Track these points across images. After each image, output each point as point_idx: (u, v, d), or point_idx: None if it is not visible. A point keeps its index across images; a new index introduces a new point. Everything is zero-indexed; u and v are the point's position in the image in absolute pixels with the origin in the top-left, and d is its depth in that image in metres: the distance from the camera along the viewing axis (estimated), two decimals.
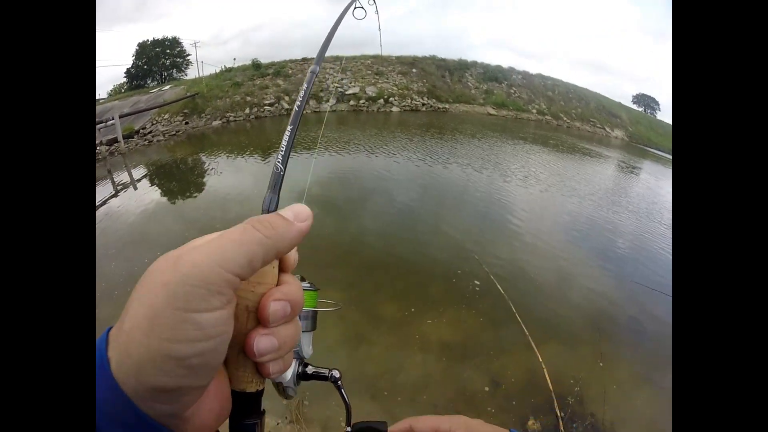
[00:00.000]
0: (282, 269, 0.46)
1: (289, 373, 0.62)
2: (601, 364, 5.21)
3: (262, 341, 0.41)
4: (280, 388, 0.63)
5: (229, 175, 11.13)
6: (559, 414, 4.23)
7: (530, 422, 4.14)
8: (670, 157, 41.61)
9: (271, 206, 0.54)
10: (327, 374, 0.68)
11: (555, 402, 4.34)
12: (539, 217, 10.31)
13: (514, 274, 6.90)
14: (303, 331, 0.65)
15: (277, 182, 0.57)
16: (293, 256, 0.48)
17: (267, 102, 23.86)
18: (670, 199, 15.73)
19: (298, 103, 0.66)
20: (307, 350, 0.66)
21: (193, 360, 0.35)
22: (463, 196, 10.92)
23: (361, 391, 4.22)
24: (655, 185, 18.48)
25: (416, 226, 8.46)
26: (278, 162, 0.59)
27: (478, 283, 6.30)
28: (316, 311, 0.68)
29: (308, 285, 0.63)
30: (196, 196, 9.66)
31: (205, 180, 11.02)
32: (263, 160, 12.08)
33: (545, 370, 4.64)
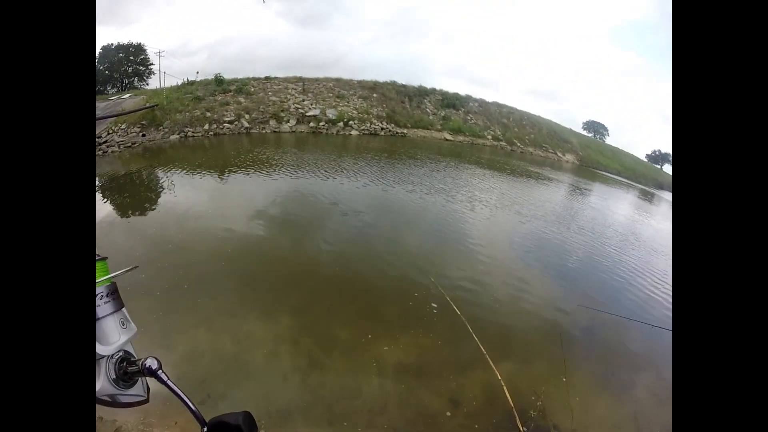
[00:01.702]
0: None
1: (101, 382, 0.68)
2: (564, 379, 5.28)
3: None
4: (106, 401, 0.69)
5: (185, 191, 11.07)
6: (521, 429, 4.24)
7: None
8: (616, 176, 44.11)
9: None
10: (140, 362, 0.72)
11: (517, 417, 4.34)
12: (493, 238, 10.66)
13: (470, 295, 7.01)
14: (105, 316, 0.72)
15: None
16: None
17: (227, 119, 23.60)
18: (615, 218, 16.84)
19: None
20: (115, 337, 0.72)
21: None
22: (418, 219, 11.20)
23: (317, 417, 4.12)
24: (602, 206, 19.57)
25: (371, 248, 8.55)
26: None
27: (435, 305, 6.33)
28: (115, 286, 0.77)
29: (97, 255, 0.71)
30: (149, 212, 9.55)
31: (159, 196, 10.90)
32: (220, 180, 12.10)
33: (504, 387, 4.69)
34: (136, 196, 10.96)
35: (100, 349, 0.67)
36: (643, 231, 16.41)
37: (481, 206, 13.31)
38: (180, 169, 13.51)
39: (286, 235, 8.60)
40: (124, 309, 0.88)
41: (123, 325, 0.82)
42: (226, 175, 12.74)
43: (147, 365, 0.71)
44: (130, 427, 3.31)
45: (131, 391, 0.74)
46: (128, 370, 0.72)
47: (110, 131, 20.08)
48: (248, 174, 13.11)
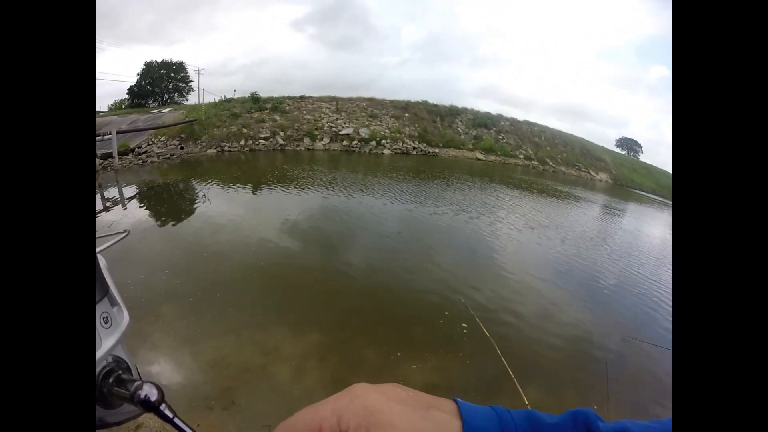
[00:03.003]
0: None
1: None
2: (595, 406, 5.20)
3: None
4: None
5: (221, 203, 11.29)
6: None
7: None
8: (651, 195, 42.96)
9: None
10: (130, 395, 0.55)
11: None
12: (525, 259, 10.52)
13: (501, 316, 6.92)
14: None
15: None
16: None
17: (262, 135, 24.19)
18: (649, 240, 16.34)
19: None
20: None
21: None
22: (449, 239, 11.14)
23: None
24: (635, 227, 19.08)
25: (402, 266, 8.52)
26: None
27: (465, 325, 6.26)
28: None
29: None
30: (184, 222, 9.78)
31: (195, 206, 11.16)
32: (254, 194, 12.32)
33: None
34: (174, 205, 11.28)
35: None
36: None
37: (511, 228, 13.14)
38: (216, 182, 13.85)
39: (317, 251, 8.66)
40: (107, 296, 0.66)
41: (105, 322, 0.62)
42: (261, 189, 12.98)
43: (143, 396, 0.53)
44: (151, 424, 3.32)
45: (122, 409, 0.58)
46: (114, 391, 0.56)
47: (150, 142, 20.83)
48: (282, 189, 13.31)
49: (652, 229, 21.00)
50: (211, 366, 4.54)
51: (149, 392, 0.53)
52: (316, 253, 8.51)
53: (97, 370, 0.56)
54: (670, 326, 8.01)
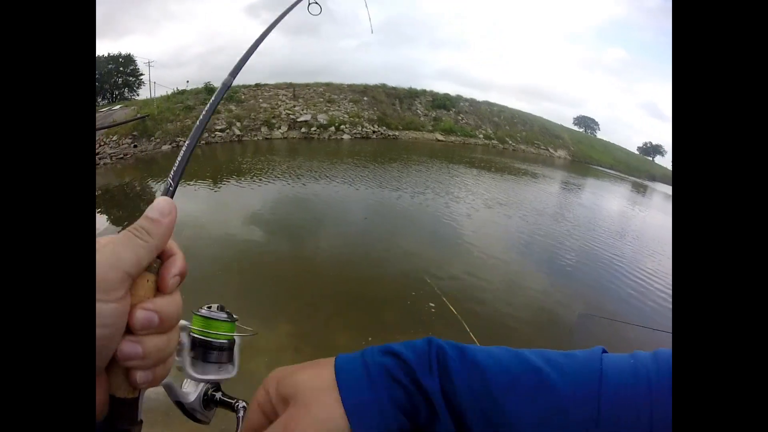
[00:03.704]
0: (161, 288, 0.47)
1: (193, 395, 0.66)
2: None
3: (125, 346, 0.43)
4: (186, 410, 0.67)
5: (179, 202, 10.95)
6: None
7: None
8: (608, 170, 44.51)
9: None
10: (233, 404, 0.69)
11: None
12: (487, 236, 10.81)
13: (468, 294, 7.08)
14: (216, 362, 0.67)
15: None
16: (176, 268, 0.49)
17: (218, 127, 23.56)
18: (607, 214, 17.01)
19: (201, 116, 0.71)
20: (218, 377, 0.67)
21: None
22: (411, 220, 11.27)
23: None
24: (593, 202, 19.82)
25: (367, 250, 8.60)
26: (170, 178, 0.62)
27: (432, 304, 6.38)
28: (232, 342, 0.69)
29: (225, 315, 0.67)
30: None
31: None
32: (213, 189, 12.08)
33: None
34: (133, 208, 10.91)
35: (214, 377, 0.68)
36: (633, 224, 16.58)
37: (471, 207, 13.45)
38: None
39: (282, 241, 8.63)
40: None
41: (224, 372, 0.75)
42: (220, 183, 12.73)
43: (239, 405, 0.72)
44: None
45: (204, 413, 0.70)
46: (217, 399, 0.70)
47: (102, 143, 19.96)
48: (242, 182, 13.10)
49: (610, 202, 21.81)
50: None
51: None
52: (282, 243, 8.49)
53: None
54: (626, 295, 8.41)
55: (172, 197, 0.58)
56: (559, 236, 11.80)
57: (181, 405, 0.65)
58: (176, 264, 0.48)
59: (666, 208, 29.10)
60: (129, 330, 0.44)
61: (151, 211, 0.47)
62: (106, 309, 0.42)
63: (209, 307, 0.69)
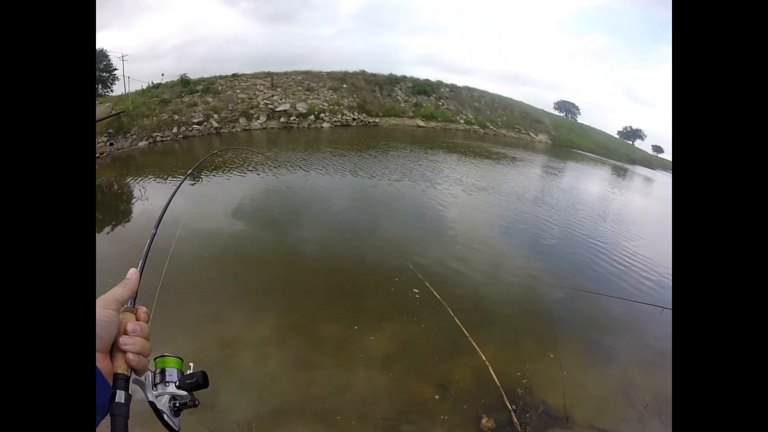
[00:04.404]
0: (137, 318, 0.83)
1: (164, 399, 0.85)
2: (551, 355, 5.47)
3: (122, 338, 0.74)
4: (157, 409, 0.83)
5: (159, 198, 10.83)
6: (510, 407, 4.39)
7: (484, 420, 4.23)
8: (589, 154, 45.03)
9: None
10: (189, 402, 0.87)
11: (504, 396, 4.50)
12: (468, 220, 10.95)
13: (451, 278, 7.16)
14: (173, 383, 0.87)
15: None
16: (143, 313, 0.87)
17: (195, 120, 23.14)
18: (586, 197, 17.27)
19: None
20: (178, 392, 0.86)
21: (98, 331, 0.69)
22: (393, 208, 11.33)
23: (310, 414, 4.13)
24: (573, 185, 20.15)
25: (350, 240, 8.65)
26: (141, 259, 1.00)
27: (416, 290, 6.47)
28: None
29: (172, 355, 0.92)
30: (125, 223, 9.38)
31: (133, 205, 10.68)
32: (193, 184, 11.94)
33: (490, 368, 4.84)
34: (111, 209, 10.71)
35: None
36: (613, 206, 16.86)
37: (451, 192, 13.57)
38: (152, 176, 13.26)
39: (265, 234, 8.64)
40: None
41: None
42: (200, 177, 12.57)
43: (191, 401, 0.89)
44: None
45: (173, 420, 0.86)
46: (178, 404, 0.86)
47: None
48: (220, 175, 12.97)
49: (589, 185, 22.09)
50: None
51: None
52: (264, 235, 8.50)
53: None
54: (606, 273, 8.59)
55: (140, 270, 0.97)
56: (540, 219, 12.02)
57: (153, 404, 0.83)
58: (143, 310, 0.87)
59: (645, 190, 29.62)
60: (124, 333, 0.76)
61: (128, 276, 0.89)
62: (110, 314, 0.74)
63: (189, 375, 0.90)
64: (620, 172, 36.72)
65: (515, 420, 4.26)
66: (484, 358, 5.00)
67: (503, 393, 4.56)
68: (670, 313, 7.47)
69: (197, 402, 0.88)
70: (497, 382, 4.69)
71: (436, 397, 4.49)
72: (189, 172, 2.79)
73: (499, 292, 7.08)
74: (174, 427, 0.84)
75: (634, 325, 6.80)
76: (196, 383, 0.88)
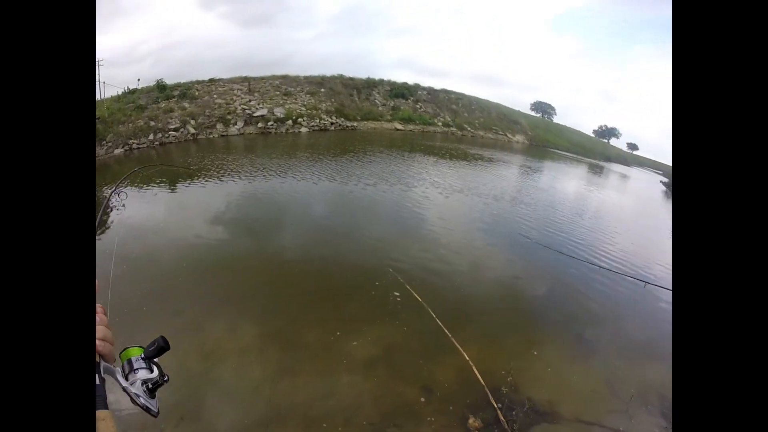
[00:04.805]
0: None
1: (136, 384, 0.90)
2: (535, 353, 5.58)
3: (98, 342, 0.81)
4: (137, 400, 0.89)
5: (136, 208, 10.65)
6: (496, 405, 4.44)
7: (470, 420, 4.27)
8: (565, 153, 45.95)
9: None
10: (159, 380, 0.95)
11: (489, 395, 4.56)
12: (446, 222, 11.04)
13: (431, 280, 7.22)
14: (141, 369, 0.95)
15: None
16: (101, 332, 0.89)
17: (172, 126, 22.79)
18: (561, 196, 17.56)
19: None
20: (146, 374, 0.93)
21: None
22: (371, 212, 11.38)
23: (294, 423, 4.10)
24: (550, 184, 20.55)
25: (329, 245, 8.63)
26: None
27: (397, 293, 6.51)
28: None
29: (133, 345, 0.99)
30: (102, 235, 9.20)
31: (110, 216, 10.46)
32: (171, 191, 11.80)
33: (474, 367, 4.89)
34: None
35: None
36: (590, 203, 17.18)
37: (430, 194, 13.75)
38: (128, 185, 13.00)
39: (244, 241, 8.57)
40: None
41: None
42: (177, 185, 12.42)
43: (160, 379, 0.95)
44: None
45: (149, 401, 0.91)
46: (151, 386, 0.91)
47: None
48: (198, 182, 12.83)
49: (566, 184, 22.46)
50: None
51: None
52: (243, 243, 8.41)
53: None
54: (585, 271, 8.77)
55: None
56: (518, 219, 12.20)
57: (127, 390, 0.88)
58: (99, 305, 0.89)
59: (621, 186, 30.25)
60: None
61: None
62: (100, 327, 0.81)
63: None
64: (596, 170, 37.52)
65: (502, 418, 4.32)
66: (467, 358, 5.06)
67: (488, 392, 4.62)
68: (650, 296, 7.76)
69: (167, 377, 0.94)
70: (482, 381, 4.76)
71: (422, 399, 4.52)
72: (113, 189, 2.76)
73: (479, 292, 7.18)
74: (152, 408, 0.90)
75: (615, 318, 7.01)
76: (158, 347, 0.95)
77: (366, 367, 4.93)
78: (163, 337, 0.96)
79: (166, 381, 0.95)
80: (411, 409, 4.40)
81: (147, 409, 0.89)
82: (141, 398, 0.88)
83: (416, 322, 5.86)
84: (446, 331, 5.55)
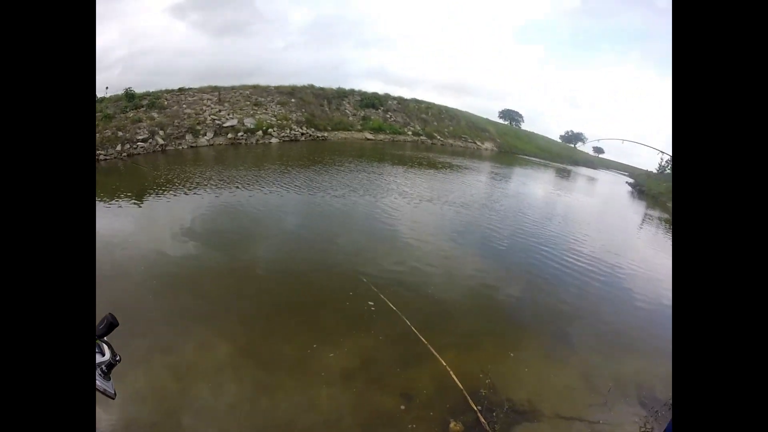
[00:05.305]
0: None
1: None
2: (511, 354, 5.71)
3: None
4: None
5: (103, 222, 10.37)
6: (476, 408, 4.53)
7: (452, 425, 4.33)
8: (533, 158, 47.21)
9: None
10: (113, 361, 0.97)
11: (469, 398, 4.65)
12: (417, 230, 11.16)
13: (404, 288, 7.31)
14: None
15: None
16: None
17: (140, 137, 22.21)
18: (530, 201, 17.93)
19: None
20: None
21: None
22: (342, 223, 11.39)
23: None
24: (518, 190, 20.98)
25: (300, 257, 8.60)
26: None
27: (371, 303, 6.55)
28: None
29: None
30: None
31: None
32: (139, 204, 11.52)
33: (451, 372, 4.98)
34: None
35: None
36: (557, 207, 17.59)
37: (400, 202, 13.94)
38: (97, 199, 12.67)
39: (215, 255, 8.43)
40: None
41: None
42: (145, 198, 12.16)
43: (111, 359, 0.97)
44: None
45: (106, 384, 0.95)
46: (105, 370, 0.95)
47: None
48: (165, 195, 12.58)
49: (534, 189, 22.94)
50: (125, 409, 4.20)
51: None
52: (214, 259, 8.25)
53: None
54: (556, 273, 8.97)
55: None
56: (487, 225, 12.47)
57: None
58: None
59: (588, 189, 31.07)
60: None
61: None
62: None
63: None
64: (564, 174, 38.50)
65: (482, 420, 4.41)
66: (444, 364, 5.16)
67: (467, 395, 4.72)
68: (619, 293, 8.05)
69: (119, 357, 0.98)
70: (460, 385, 4.85)
71: (402, 407, 4.56)
72: None
73: (452, 298, 7.31)
74: (109, 389, 0.94)
75: (587, 315, 7.25)
76: (108, 324, 0.98)
77: (344, 378, 4.94)
78: (111, 314, 0.97)
79: (118, 361, 0.97)
80: (392, 417, 4.43)
81: (104, 392, 0.90)
82: (96, 381, 0.91)
83: (392, 330, 5.91)
84: (422, 338, 5.61)
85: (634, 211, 25.13)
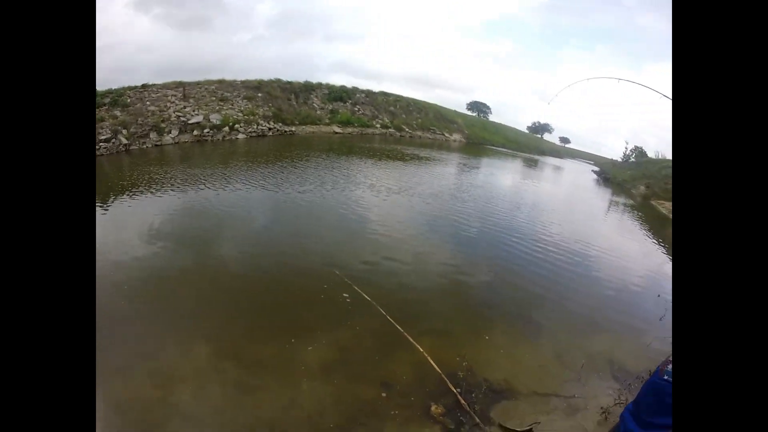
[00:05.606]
0: None
1: None
2: (486, 337, 5.91)
3: None
4: None
5: None
6: (455, 390, 4.68)
7: (433, 408, 4.48)
8: (501, 149, 48.10)
9: None
10: None
11: (447, 381, 4.79)
12: (387, 222, 11.34)
13: (378, 278, 7.46)
14: None
15: None
16: None
17: (103, 137, 21.43)
18: (498, 191, 18.28)
19: None
20: None
21: None
22: (312, 215, 11.47)
23: None
24: (487, 180, 21.44)
25: (272, 254, 8.59)
26: None
27: (346, 295, 6.64)
28: None
29: None
30: None
31: None
32: (103, 207, 11.23)
33: (429, 358, 5.11)
34: None
35: None
36: (525, 196, 18.00)
37: (369, 194, 14.12)
38: None
39: (184, 257, 8.27)
40: None
41: None
42: (107, 202, 11.83)
43: None
44: None
45: None
46: None
47: None
48: (130, 197, 12.28)
49: (502, 179, 23.37)
50: (107, 420, 4.15)
51: None
52: (185, 259, 8.11)
53: None
54: (527, 258, 9.25)
55: None
56: (457, 215, 12.71)
57: None
58: None
59: (555, 178, 31.84)
60: None
61: None
62: None
63: None
64: (531, 164, 39.33)
65: (462, 401, 4.56)
66: (421, 350, 5.30)
67: (446, 379, 4.87)
68: (588, 275, 8.41)
69: None
70: (438, 369, 4.99)
71: (383, 394, 4.66)
72: None
73: (427, 286, 7.50)
74: None
75: (558, 298, 7.59)
76: None
77: (324, 371, 5.00)
78: None
79: None
80: (374, 405, 4.52)
81: None
82: None
83: (368, 321, 6.02)
84: (398, 327, 5.74)
85: (600, 198, 25.96)
